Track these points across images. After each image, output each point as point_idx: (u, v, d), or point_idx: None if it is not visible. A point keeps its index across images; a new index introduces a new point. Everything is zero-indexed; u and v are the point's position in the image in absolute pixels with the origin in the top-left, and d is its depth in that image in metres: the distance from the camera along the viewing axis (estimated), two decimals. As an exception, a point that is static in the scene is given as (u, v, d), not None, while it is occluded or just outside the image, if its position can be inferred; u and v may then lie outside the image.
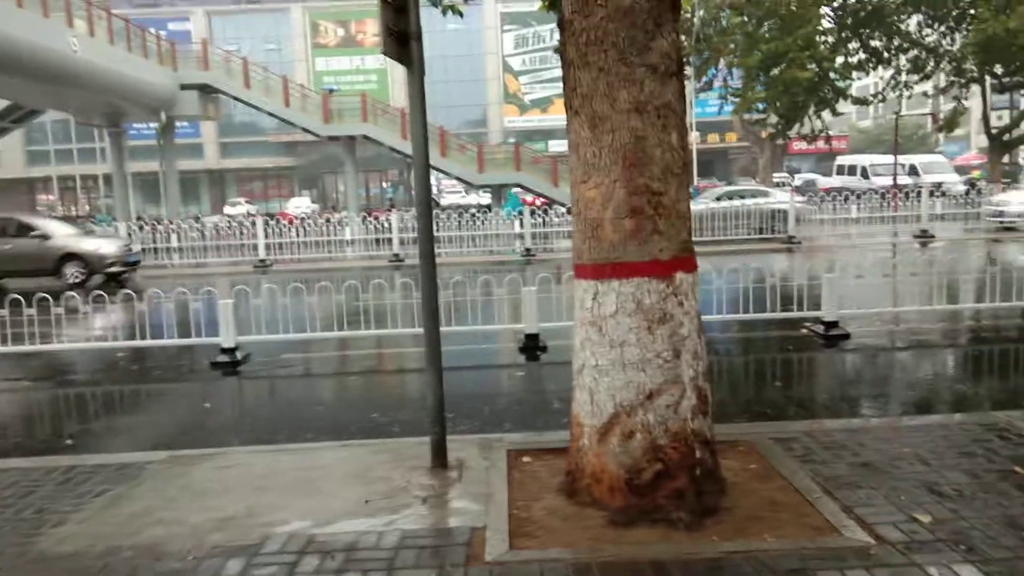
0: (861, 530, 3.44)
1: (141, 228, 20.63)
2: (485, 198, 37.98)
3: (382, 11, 4.08)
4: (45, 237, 15.92)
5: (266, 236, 19.26)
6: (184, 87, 29.24)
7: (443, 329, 4.78)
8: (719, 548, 3.33)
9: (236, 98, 30.36)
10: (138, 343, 8.09)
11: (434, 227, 5.24)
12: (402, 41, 4.23)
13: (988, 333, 8.74)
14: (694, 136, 30.45)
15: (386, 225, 19.56)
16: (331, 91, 32.58)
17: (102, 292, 8.24)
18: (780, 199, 20.00)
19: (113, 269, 16.19)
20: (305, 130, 31.54)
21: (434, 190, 42.18)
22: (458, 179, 31.46)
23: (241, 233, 20.05)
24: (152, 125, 31.22)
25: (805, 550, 3.28)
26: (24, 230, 16.14)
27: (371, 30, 50.10)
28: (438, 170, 27.94)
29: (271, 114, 30.89)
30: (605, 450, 3.71)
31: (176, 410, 6.94)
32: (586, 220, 3.75)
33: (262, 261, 18.72)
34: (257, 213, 31.73)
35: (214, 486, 4.30)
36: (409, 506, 3.93)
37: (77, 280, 15.34)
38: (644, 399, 3.64)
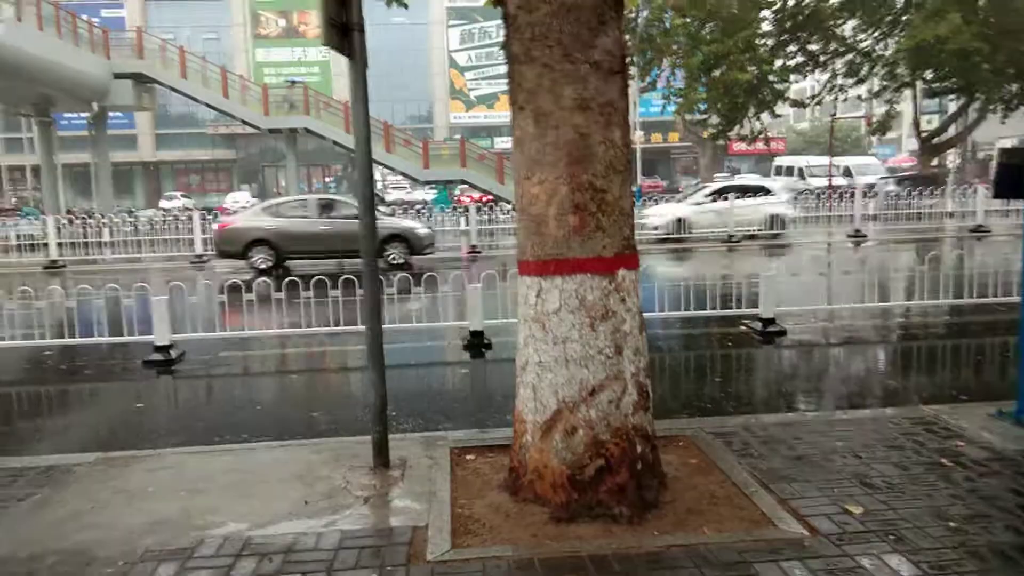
0: (796, 522, 3.52)
1: (71, 222, 19.84)
2: (431, 194, 37.82)
3: (323, 0, 3.99)
4: None
5: (203, 231, 18.76)
6: (118, 76, 28.28)
7: (386, 327, 4.72)
8: (659, 542, 3.37)
9: (172, 88, 29.52)
10: (68, 341, 7.82)
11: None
12: (343, 32, 4.15)
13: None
14: (638, 135, 30.78)
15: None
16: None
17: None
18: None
19: (428, 251, 15.61)
20: (245, 122, 30.89)
21: (379, 186, 41.80)
22: (403, 175, 31.21)
23: (177, 228, 19.52)
24: (84, 115, 30.09)
25: (742, 542, 3.34)
26: (346, 209, 14.83)
27: (313, 21, 49.21)
28: (383, 165, 27.65)
29: (209, 105, 30.16)
30: (548, 446, 3.71)
31: (106, 410, 6.71)
32: (530, 216, 3.74)
33: (199, 257, 18.21)
34: (194, 207, 30.88)
35: (147, 488, 4.17)
36: (350, 506, 3.87)
37: (397, 261, 14.57)
38: (587, 395, 3.65)
